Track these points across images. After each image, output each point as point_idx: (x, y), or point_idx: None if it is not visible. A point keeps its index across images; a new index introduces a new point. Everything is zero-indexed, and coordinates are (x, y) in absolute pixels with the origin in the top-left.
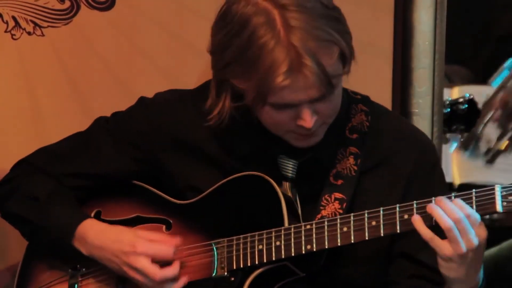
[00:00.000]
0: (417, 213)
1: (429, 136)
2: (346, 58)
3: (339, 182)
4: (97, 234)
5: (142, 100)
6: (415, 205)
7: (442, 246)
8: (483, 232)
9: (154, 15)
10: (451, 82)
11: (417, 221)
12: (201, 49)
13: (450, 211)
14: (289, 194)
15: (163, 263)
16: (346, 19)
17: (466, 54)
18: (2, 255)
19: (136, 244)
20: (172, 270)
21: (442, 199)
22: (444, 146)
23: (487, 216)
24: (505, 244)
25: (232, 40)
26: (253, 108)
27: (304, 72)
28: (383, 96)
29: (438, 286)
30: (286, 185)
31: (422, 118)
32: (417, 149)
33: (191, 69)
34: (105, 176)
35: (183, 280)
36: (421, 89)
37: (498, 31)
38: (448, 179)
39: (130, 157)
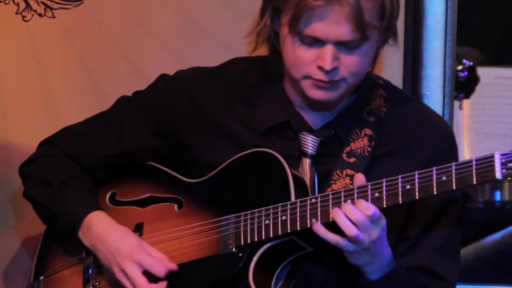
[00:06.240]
0: (419, 181)
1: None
2: (385, 13)
3: (352, 159)
4: (104, 226)
5: (163, 76)
6: (416, 175)
7: (347, 247)
8: (383, 222)
9: None
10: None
11: (321, 229)
12: (212, 32)
13: (353, 215)
14: (308, 171)
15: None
16: None
17: (478, 36)
18: (4, 219)
19: (135, 251)
20: None
21: (346, 204)
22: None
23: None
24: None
25: None
26: (282, 40)
27: (341, 1)
28: (394, 78)
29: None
30: (306, 161)
31: (433, 100)
32: (436, 136)
33: (201, 51)
34: (126, 154)
35: None
36: (432, 71)
37: (510, 13)
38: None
39: (151, 133)
